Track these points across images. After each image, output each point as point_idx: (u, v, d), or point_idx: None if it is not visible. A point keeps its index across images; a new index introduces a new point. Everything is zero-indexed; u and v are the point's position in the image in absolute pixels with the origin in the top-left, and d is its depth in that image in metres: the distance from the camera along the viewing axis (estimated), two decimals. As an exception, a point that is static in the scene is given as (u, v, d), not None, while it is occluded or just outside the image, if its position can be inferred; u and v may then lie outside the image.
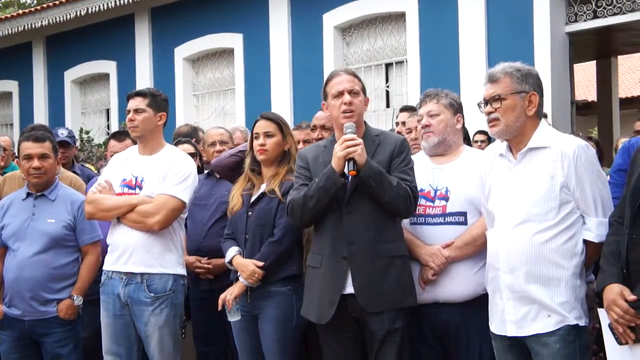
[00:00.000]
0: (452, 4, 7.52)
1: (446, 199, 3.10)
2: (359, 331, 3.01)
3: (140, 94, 3.60)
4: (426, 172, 3.13)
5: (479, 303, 2.96)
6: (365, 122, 3.14)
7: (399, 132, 4.33)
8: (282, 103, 8.75)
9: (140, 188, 3.50)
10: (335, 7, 8.52)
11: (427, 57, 7.72)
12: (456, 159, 3.19)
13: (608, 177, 3.50)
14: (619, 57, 12.06)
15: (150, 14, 10.35)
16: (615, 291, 2.42)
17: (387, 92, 8.51)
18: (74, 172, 4.93)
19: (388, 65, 8.43)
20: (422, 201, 3.08)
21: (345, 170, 2.91)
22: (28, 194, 3.75)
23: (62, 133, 5.05)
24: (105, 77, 11.08)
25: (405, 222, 3.13)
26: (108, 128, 11.20)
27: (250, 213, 3.38)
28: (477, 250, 3.01)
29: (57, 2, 10.82)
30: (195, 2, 9.70)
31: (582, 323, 2.63)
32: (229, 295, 3.30)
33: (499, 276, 2.71)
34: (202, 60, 10.10)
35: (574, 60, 7.62)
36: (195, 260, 3.88)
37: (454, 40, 7.51)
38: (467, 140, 4.35)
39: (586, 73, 15.08)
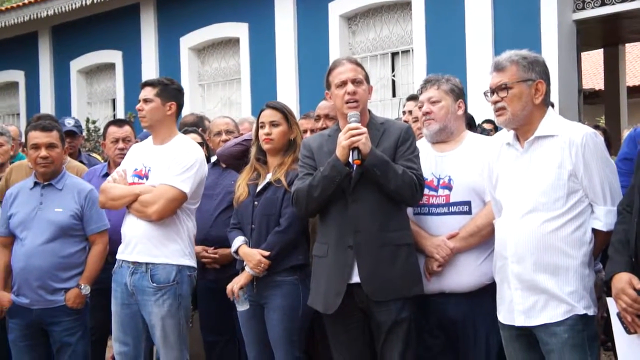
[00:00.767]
0: (459, -8, 7.48)
1: (449, 188, 3.08)
2: (366, 321, 3.01)
3: (150, 83, 3.60)
4: (428, 161, 3.11)
5: (485, 293, 2.96)
6: (369, 111, 3.13)
7: (405, 121, 4.32)
8: (288, 92, 8.73)
9: (147, 178, 3.51)
10: (341, -5, 8.50)
11: (433, 45, 7.68)
12: (458, 146, 3.17)
13: None
14: (627, 45, 11.95)
15: (155, 3, 10.33)
16: (624, 280, 2.41)
17: (393, 82, 8.48)
18: (81, 162, 4.95)
19: (394, 54, 8.39)
20: (425, 190, 3.05)
21: (350, 159, 2.90)
22: (35, 183, 3.76)
23: (68, 123, 5.07)
24: (111, 66, 11.08)
25: (410, 212, 3.11)
26: (114, 118, 11.20)
27: (256, 203, 3.38)
28: (482, 241, 3.01)
29: (62, -8, 10.82)
30: (201, -9, 9.69)
31: (590, 312, 2.62)
32: (235, 285, 3.31)
33: (507, 265, 2.70)
34: (208, 50, 10.08)
35: (581, 48, 7.56)
36: (202, 250, 3.88)
37: (460, 29, 7.47)
38: (472, 128, 4.33)
39: (593, 61, 14.97)
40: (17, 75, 12.53)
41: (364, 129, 2.90)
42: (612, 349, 2.78)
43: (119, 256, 3.53)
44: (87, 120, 10.68)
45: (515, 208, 2.69)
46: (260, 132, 3.41)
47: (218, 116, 4.71)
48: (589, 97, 12.61)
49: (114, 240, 3.72)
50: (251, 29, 9.32)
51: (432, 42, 7.71)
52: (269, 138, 3.37)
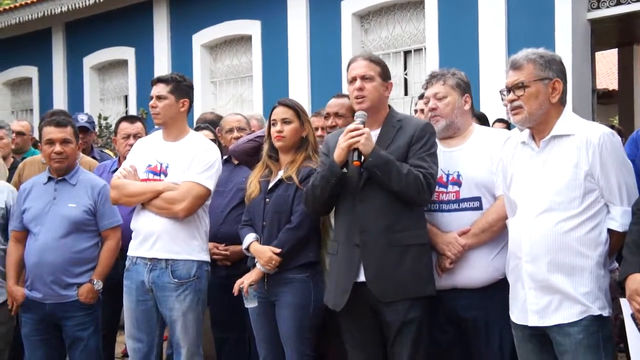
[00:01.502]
0: (472, -10, 7.44)
1: (459, 184, 3.07)
2: (377, 319, 2.99)
3: (163, 80, 3.61)
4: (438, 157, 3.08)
5: (498, 289, 2.95)
6: (390, 107, 3.09)
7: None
8: (300, 90, 8.72)
9: (165, 174, 3.51)
10: (354, -7, 8.48)
11: (446, 44, 7.64)
12: (466, 142, 3.14)
13: None
14: (642, 45, 11.87)
15: (168, 0, 10.35)
16: (638, 281, 2.40)
17: (406, 80, 8.45)
18: (93, 157, 4.98)
19: (406, 53, 8.35)
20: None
21: (350, 160, 2.90)
22: (49, 178, 3.78)
23: (81, 118, 5.09)
24: (123, 63, 11.11)
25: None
26: (126, 114, 11.25)
27: (267, 200, 3.38)
28: (493, 236, 2.99)
29: (76, -12, 10.86)
30: (214, -12, 9.70)
31: (605, 313, 2.60)
32: (246, 281, 3.31)
33: (520, 265, 2.68)
34: (220, 47, 10.08)
35: (596, 47, 7.48)
36: (213, 246, 3.89)
37: (473, 28, 7.42)
38: (486, 125, 4.30)
39: (607, 61, 14.86)
40: (31, 71, 12.58)
41: (365, 130, 2.88)
42: (626, 350, 2.76)
43: (133, 253, 3.53)
44: (100, 117, 10.72)
45: (530, 207, 2.67)
46: (272, 129, 3.41)
47: (229, 113, 4.71)
48: (602, 97, 12.50)
49: (123, 237, 3.74)
50: (264, 27, 9.31)
51: (444, 40, 7.67)
52: (280, 135, 3.37)
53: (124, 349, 4.72)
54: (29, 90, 12.81)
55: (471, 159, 3.07)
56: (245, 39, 9.68)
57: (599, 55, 10.20)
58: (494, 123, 5.84)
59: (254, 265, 3.37)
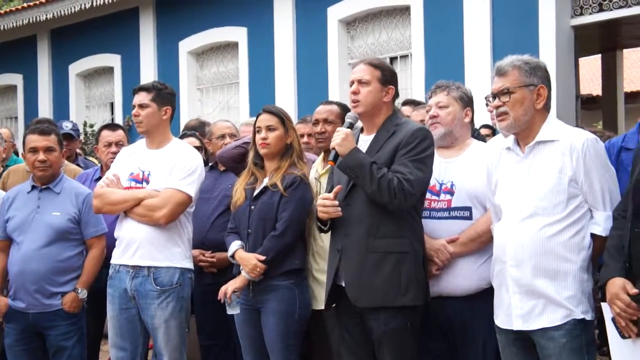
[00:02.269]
0: (457, -3, 7.50)
1: (451, 193, 3.08)
2: (364, 324, 2.97)
3: (144, 88, 3.60)
4: (433, 166, 3.08)
5: (483, 297, 2.96)
6: (395, 111, 3.06)
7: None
8: (286, 97, 8.74)
9: (147, 182, 3.51)
10: (340, 0, 8.48)
11: (432, 50, 7.69)
12: (463, 154, 3.17)
13: None
14: (625, 50, 11.96)
15: (154, 7, 10.33)
16: (617, 285, 2.42)
17: (392, 86, 8.50)
18: (78, 165, 4.95)
19: (393, 59, 8.39)
20: (427, 195, 3.04)
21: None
22: (33, 187, 3.75)
23: (66, 126, 5.07)
24: (109, 70, 11.08)
25: None
26: (112, 122, 11.21)
27: (252, 207, 3.38)
28: (481, 247, 3.00)
29: (61, -5, 10.82)
30: (200, -5, 9.70)
31: (588, 317, 2.62)
32: (230, 287, 3.31)
33: (505, 270, 2.70)
34: (207, 54, 10.09)
35: (579, 53, 7.56)
36: (199, 253, 3.88)
37: (458, 34, 7.47)
38: (473, 136, 4.33)
39: (591, 67, 15.00)
40: (16, 79, 12.52)
41: (345, 130, 2.89)
42: (608, 354, 2.78)
43: (115, 261, 3.52)
44: (85, 124, 10.68)
45: (515, 212, 2.69)
46: (257, 136, 3.42)
47: (219, 120, 4.70)
48: (586, 103, 12.62)
49: (108, 246, 3.72)
50: (250, 33, 9.33)
51: (430, 47, 7.72)
52: (265, 142, 3.38)
53: (109, 358, 4.68)
54: (14, 97, 12.75)
55: (466, 171, 3.08)
56: (232, 46, 9.69)
57: (582, 61, 10.29)
58: (479, 129, 5.88)
59: (240, 273, 3.37)
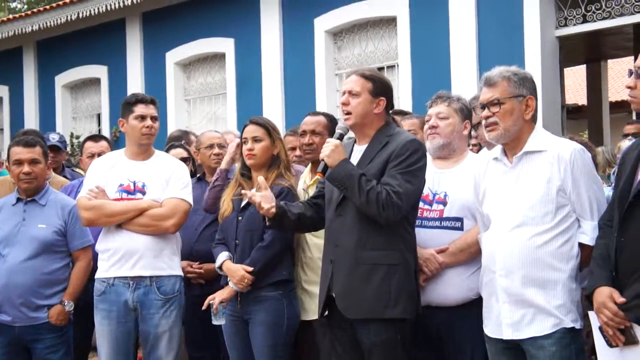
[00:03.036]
0: (443, 8, 7.53)
1: (444, 203, 3.09)
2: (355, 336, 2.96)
3: (153, 101, 3.64)
4: (427, 176, 3.05)
5: (471, 307, 2.96)
6: (388, 122, 3.03)
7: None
8: (273, 107, 8.74)
9: (143, 193, 3.51)
10: (326, 11, 8.50)
11: (419, 61, 7.73)
12: (458, 165, 3.17)
13: (604, 184, 3.47)
14: (609, 61, 12.12)
15: (141, 18, 10.31)
16: (605, 294, 2.43)
17: (379, 96, 8.53)
18: (65, 177, 4.92)
19: (379, 70, 8.42)
20: (420, 204, 3.04)
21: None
22: (18, 199, 3.73)
23: (53, 138, 5.06)
24: (96, 81, 11.04)
25: None
26: (99, 133, 11.16)
27: (240, 218, 3.39)
28: (470, 258, 3.01)
29: (47, 7, 10.78)
30: (186, 6, 9.67)
31: (577, 326, 2.64)
32: (217, 298, 3.31)
33: (494, 279, 2.71)
34: (194, 65, 10.08)
35: (564, 64, 7.63)
36: (187, 265, 3.87)
37: (445, 45, 7.52)
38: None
39: (576, 77, 15.15)
40: (2, 91, 12.45)
41: (334, 142, 2.89)
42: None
43: (108, 274, 3.49)
44: (72, 136, 10.63)
45: (503, 222, 2.71)
46: (244, 147, 3.43)
47: (208, 130, 4.71)
48: (572, 113, 12.74)
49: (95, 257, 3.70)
50: (237, 44, 9.33)
51: (417, 57, 7.76)
52: (251, 153, 3.39)
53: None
54: (-1, 109, 12.68)
55: (460, 182, 3.09)
56: (219, 57, 9.70)
57: (567, 71, 10.41)
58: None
59: (227, 284, 3.36)
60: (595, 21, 6.89)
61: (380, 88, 2.98)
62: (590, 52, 10.61)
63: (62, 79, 11.42)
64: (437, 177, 3.13)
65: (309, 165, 3.70)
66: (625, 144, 5.18)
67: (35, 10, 11.05)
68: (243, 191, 3.10)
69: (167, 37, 9.96)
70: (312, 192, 3.50)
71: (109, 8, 9.85)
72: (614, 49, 10.42)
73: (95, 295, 3.53)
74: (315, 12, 8.60)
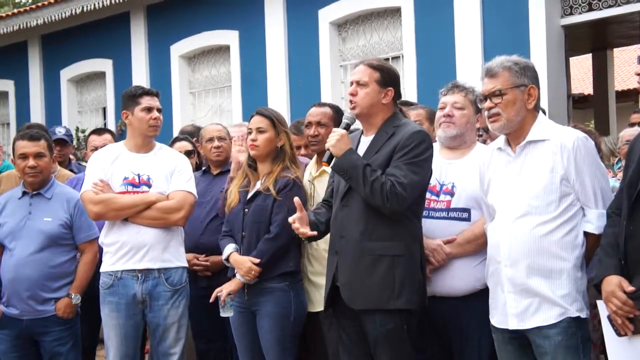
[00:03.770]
0: (448, -2, 7.53)
1: (451, 194, 3.09)
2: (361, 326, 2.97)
3: (157, 94, 3.66)
4: (434, 167, 3.05)
5: (478, 297, 2.96)
6: (396, 112, 3.01)
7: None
8: (278, 99, 8.73)
9: (148, 186, 3.52)
10: (331, 3, 8.48)
11: (423, 51, 7.70)
12: (466, 156, 3.16)
13: (609, 172, 3.47)
14: (615, 49, 12.01)
15: (145, 11, 10.31)
16: (613, 283, 2.43)
17: (384, 87, 8.51)
18: (71, 171, 4.95)
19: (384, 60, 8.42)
20: (427, 194, 3.03)
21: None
22: (24, 193, 3.73)
23: (59, 131, 5.09)
24: (101, 75, 11.05)
25: None
26: (104, 126, 11.18)
27: (246, 210, 3.39)
28: (478, 249, 3.00)
29: (52, 1, 10.76)
30: (191, -1, 9.70)
31: (583, 315, 2.64)
32: (224, 290, 3.32)
33: (500, 269, 2.71)
34: (198, 58, 10.07)
35: (570, 53, 7.58)
36: (193, 257, 3.88)
37: (449, 35, 7.49)
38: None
39: (582, 66, 15.08)
40: (7, 85, 12.48)
41: (340, 131, 2.89)
42: (603, 352, 2.79)
43: (114, 268, 3.49)
44: (77, 129, 10.65)
45: (508, 212, 2.70)
46: (248, 138, 3.44)
47: (210, 123, 4.71)
48: (578, 102, 12.69)
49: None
50: (241, 37, 9.32)
51: (422, 47, 7.74)
52: (254, 144, 3.40)
53: (104, 363, 4.67)
54: (5, 103, 12.70)
55: (468, 173, 3.08)
56: (224, 49, 9.69)
57: (573, 60, 10.35)
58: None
59: (234, 276, 3.37)
60: (601, 9, 6.84)
61: (388, 78, 2.97)
62: (596, 40, 10.54)
63: (68, 73, 11.44)
64: (444, 168, 3.12)
65: (315, 157, 3.70)
66: (629, 132, 5.16)
67: (39, 4, 11.05)
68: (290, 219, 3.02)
69: (172, 30, 9.96)
70: (317, 183, 3.52)
71: (113, 1, 9.85)
72: (620, 38, 10.34)
73: (102, 289, 3.54)
74: (319, 3, 8.58)
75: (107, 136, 4.49)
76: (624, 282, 2.41)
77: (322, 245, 3.33)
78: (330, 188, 3.13)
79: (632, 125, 6.36)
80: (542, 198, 2.63)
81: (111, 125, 10.38)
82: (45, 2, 10.81)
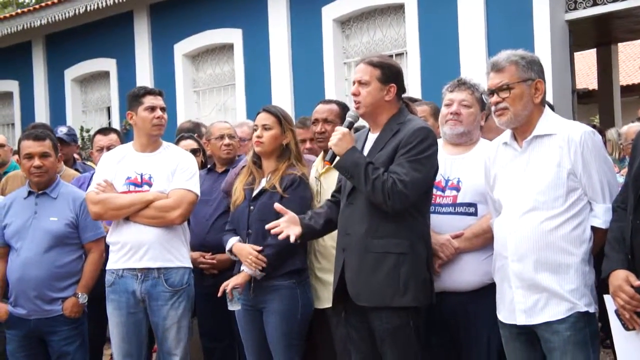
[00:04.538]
0: (451, -6, 7.52)
1: (457, 189, 3.09)
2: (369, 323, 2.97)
3: (161, 93, 3.66)
4: (439, 162, 3.02)
5: (486, 292, 2.95)
6: (401, 109, 3.00)
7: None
8: (282, 97, 8.75)
9: (149, 185, 3.52)
10: (334, 0, 8.52)
11: (427, 48, 7.71)
12: (470, 151, 3.16)
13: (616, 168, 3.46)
14: (619, 44, 12.02)
15: (148, 10, 10.34)
16: (620, 277, 2.43)
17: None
18: (76, 170, 4.95)
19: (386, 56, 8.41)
20: (433, 190, 3.03)
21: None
22: (30, 193, 3.74)
23: (61, 131, 5.09)
24: (105, 75, 11.08)
25: None
26: (109, 125, 11.21)
27: (252, 208, 3.39)
28: (486, 243, 3.00)
29: (55, 1, 10.80)
30: (193, -3, 9.72)
31: (591, 310, 2.63)
32: (231, 283, 3.31)
33: (507, 265, 2.71)
34: (202, 56, 10.10)
35: (574, 48, 7.59)
36: (199, 255, 3.89)
37: (453, 31, 7.50)
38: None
39: (587, 61, 15.03)
40: (12, 85, 12.53)
41: (341, 130, 2.89)
42: (611, 346, 2.79)
43: (117, 266, 3.52)
44: (82, 129, 10.69)
45: (514, 207, 2.70)
46: (254, 134, 3.44)
47: (218, 121, 4.69)
48: (583, 97, 12.64)
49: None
50: (245, 35, 9.34)
51: (425, 44, 7.74)
52: (259, 141, 3.40)
53: (112, 361, 4.69)
54: (10, 104, 12.75)
55: (473, 167, 3.08)
56: (227, 48, 9.71)
57: (578, 55, 10.32)
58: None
59: (240, 271, 3.37)
60: (605, 4, 6.84)
61: (390, 74, 2.95)
62: (600, 35, 10.51)
63: (72, 73, 11.48)
64: (449, 163, 3.12)
65: (321, 154, 3.69)
66: (633, 128, 5.16)
67: (43, 4, 11.08)
68: (267, 226, 3.08)
69: (175, 29, 9.98)
70: (324, 180, 3.53)
71: (116, 1, 9.88)
72: (624, 32, 10.31)
73: (106, 286, 3.56)
74: (322, 0, 8.60)
75: (113, 136, 4.49)
76: (631, 276, 2.41)
77: (330, 242, 3.33)
78: (339, 184, 3.13)
79: (639, 119, 6.38)
80: (549, 193, 2.62)
81: (116, 125, 10.41)
82: (49, 2, 10.84)
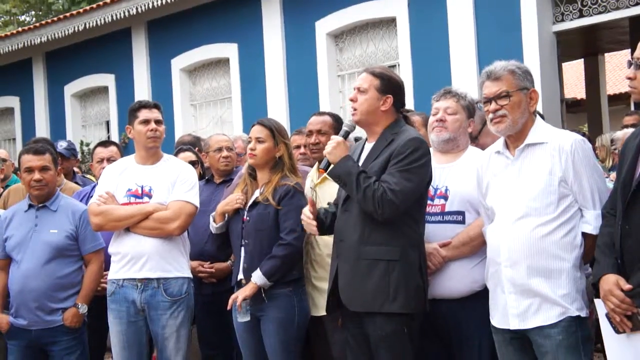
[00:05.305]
0: (441, 7, 7.57)
1: (445, 197, 3.11)
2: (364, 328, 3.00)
3: (157, 105, 3.71)
4: None
5: (476, 299, 2.99)
6: (397, 120, 3.04)
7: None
8: (278, 109, 8.80)
9: (150, 197, 3.57)
10: (327, 14, 8.55)
11: (419, 60, 7.77)
12: (458, 160, 3.19)
13: (606, 175, 3.48)
14: (606, 55, 12.06)
15: (146, 27, 10.40)
16: (611, 281, 2.46)
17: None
18: (76, 183, 5.01)
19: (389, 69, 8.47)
20: (427, 199, 3.05)
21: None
22: (30, 206, 3.78)
23: (61, 145, 5.10)
24: (104, 90, 11.14)
25: None
26: (108, 139, 11.30)
27: (248, 218, 3.43)
28: (473, 251, 3.03)
29: (55, 19, 10.91)
30: (190, 14, 9.75)
31: (583, 314, 2.66)
32: (240, 296, 3.33)
33: (500, 270, 2.74)
34: (199, 71, 10.17)
35: (562, 59, 7.64)
36: (198, 265, 3.93)
37: (444, 43, 7.56)
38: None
39: (574, 71, 15.10)
40: (13, 101, 12.57)
41: (337, 139, 2.95)
42: (602, 350, 2.82)
43: (117, 276, 3.55)
44: (82, 143, 10.76)
45: (507, 214, 2.74)
46: (248, 147, 3.51)
47: (216, 133, 4.76)
48: (571, 106, 12.72)
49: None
50: (240, 49, 9.41)
51: (417, 56, 7.81)
52: (252, 153, 3.45)
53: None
54: (11, 119, 12.80)
55: (461, 176, 3.11)
56: (223, 62, 9.78)
57: (566, 66, 10.42)
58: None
59: (238, 283, 3.42)
60: (591, 15, 6.92)
61: (388, 86, 3.00)
62: (587, 46, 10.61)
63: (71, 88, 11.54)
64: (437, 172, 3.13)
65: (316, 164, 3.71)
66: (620, 135, 5.23)
67: (43, 22, 11.19)
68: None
69: (172, 44, 10.05)
70: (319, 190, 3.55)
71: (114, 18, 9.95)
72: (611, 43, 10.41)
73: (107, 296, 3.60)
74: (316, 15, 8.67)
75: (113, 148, 4.50)
76: (621, 280, 2.44)
77: (325, 250, 3.37)
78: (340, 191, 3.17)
79: (626, 126, 6.42)
80: (541, 200, 2.66)
81: (115, 138, 10.48)
82: (49, 20, 10.94)
